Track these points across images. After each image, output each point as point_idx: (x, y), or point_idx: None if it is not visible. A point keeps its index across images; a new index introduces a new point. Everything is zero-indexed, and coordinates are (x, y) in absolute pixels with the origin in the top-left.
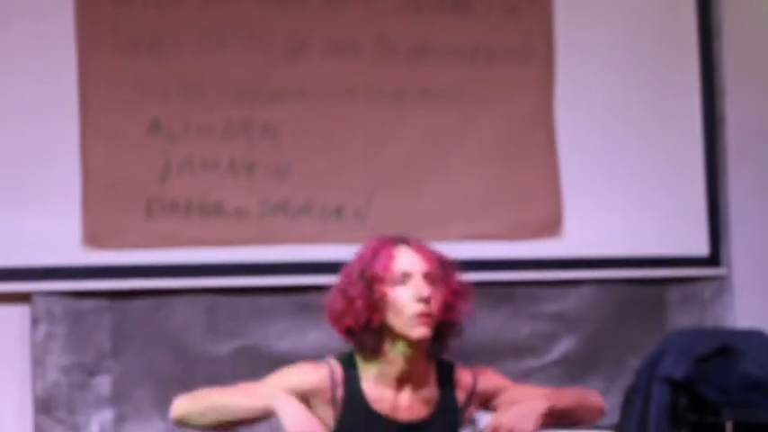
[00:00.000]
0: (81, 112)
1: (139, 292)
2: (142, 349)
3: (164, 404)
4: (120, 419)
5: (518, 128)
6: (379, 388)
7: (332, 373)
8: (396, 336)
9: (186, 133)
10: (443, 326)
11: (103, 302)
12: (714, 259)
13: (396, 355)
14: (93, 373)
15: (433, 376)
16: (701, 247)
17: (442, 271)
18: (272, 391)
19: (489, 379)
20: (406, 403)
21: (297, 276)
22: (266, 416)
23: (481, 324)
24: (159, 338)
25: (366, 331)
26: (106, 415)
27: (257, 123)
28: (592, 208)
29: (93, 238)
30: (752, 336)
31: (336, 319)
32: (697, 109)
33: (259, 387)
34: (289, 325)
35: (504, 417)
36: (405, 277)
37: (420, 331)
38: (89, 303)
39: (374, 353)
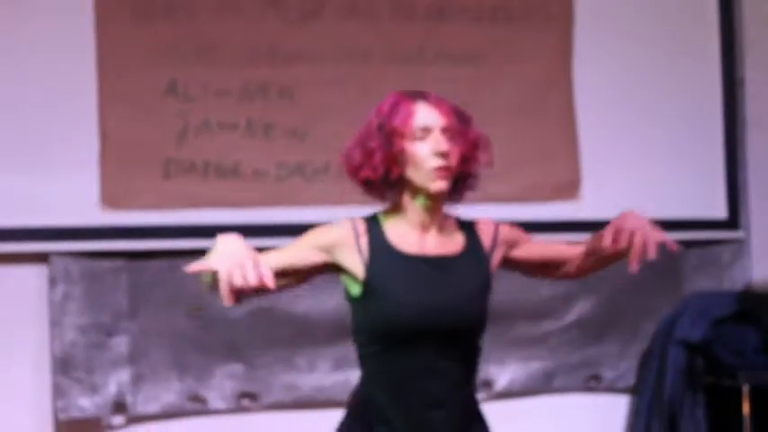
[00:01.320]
0: (99, 75)
1: (156, 253)
2: (159, 310)
3: (181, 364)
4: (137, 379)
5: (536, 90)
6: (403, 234)
7: (354, 226)
8: (415, 188)
9: (203, 95)
10: (461, 177)
11: (120, 263)
12: (732, 222)
13: (416, 206)
14: (110, 333)
15: (455, 225)
16: (719, 210)
17: (460, 124)
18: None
19: (509, 227)
20: (432, 244)
21: None
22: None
23: (498, 287)
24: (176, 299)
25: (384, 183)
26: (123, 375)
27: (274, 85)
28: (610, 171)
29: (110, 198)
30: None
31: (354, 171)
32: (716, 72)
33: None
34: (305, 287)
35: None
36: (424, 132)
37: (439, 185)
38: (106, 264)
39: (393, 204)
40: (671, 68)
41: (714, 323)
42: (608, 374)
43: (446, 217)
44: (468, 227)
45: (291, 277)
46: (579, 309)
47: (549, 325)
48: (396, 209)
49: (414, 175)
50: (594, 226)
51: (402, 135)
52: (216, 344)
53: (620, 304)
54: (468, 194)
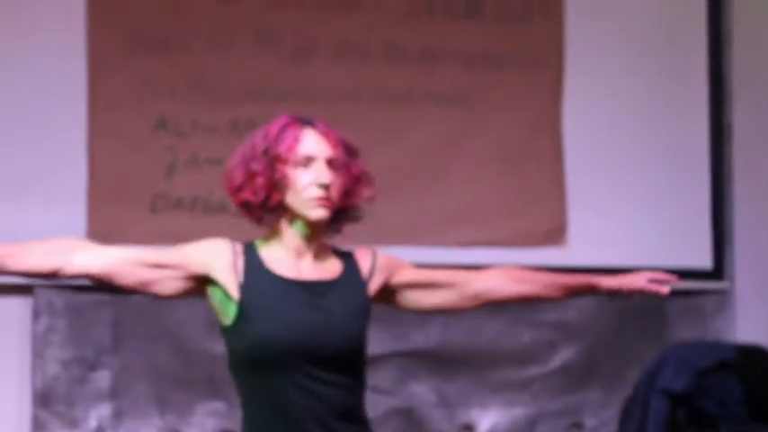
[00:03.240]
0: (89, 108)
1: None
2: (142, 345)
3: (162, 400)
4: (118, 414)
5: (525, 135)
6: (279, 258)
7: (232, 246)
8: (294, 215)
9: (193, 131)
10: (342, 210)
11: (104, 297)
12: (717, 272)
13: (294, 232)
14: (92, 367)
15: (332, 254)
16: (705, 260)
17: (345, 157)
18: None
19: (389, 257)
20: (308, 269)
21: None
22: None
23: (481, 330)
24: (159, 335)
25: (263, 208)
26: (104, 410)
27: (263, 123)
28: (596, 217)
29: (97, 232)
30: (752, 351)
31: (235, 191)
32: (704, 120)
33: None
34: None
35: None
36: (308, 160)
37: (318, 212)
38: (90, 297)
39: (270, 229)
40: (659, 115)
41: (697, 373)
42: (590, 422)
43: (324, 245)
44: (345, 255)
45: (155, 275)
46: (563, 355)
47: (532, 370)
48: (272, 234)
49: (293, 201)
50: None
51: (286, 161)
52: (198, 380)
53: (604, 351)
54: (348, 226)
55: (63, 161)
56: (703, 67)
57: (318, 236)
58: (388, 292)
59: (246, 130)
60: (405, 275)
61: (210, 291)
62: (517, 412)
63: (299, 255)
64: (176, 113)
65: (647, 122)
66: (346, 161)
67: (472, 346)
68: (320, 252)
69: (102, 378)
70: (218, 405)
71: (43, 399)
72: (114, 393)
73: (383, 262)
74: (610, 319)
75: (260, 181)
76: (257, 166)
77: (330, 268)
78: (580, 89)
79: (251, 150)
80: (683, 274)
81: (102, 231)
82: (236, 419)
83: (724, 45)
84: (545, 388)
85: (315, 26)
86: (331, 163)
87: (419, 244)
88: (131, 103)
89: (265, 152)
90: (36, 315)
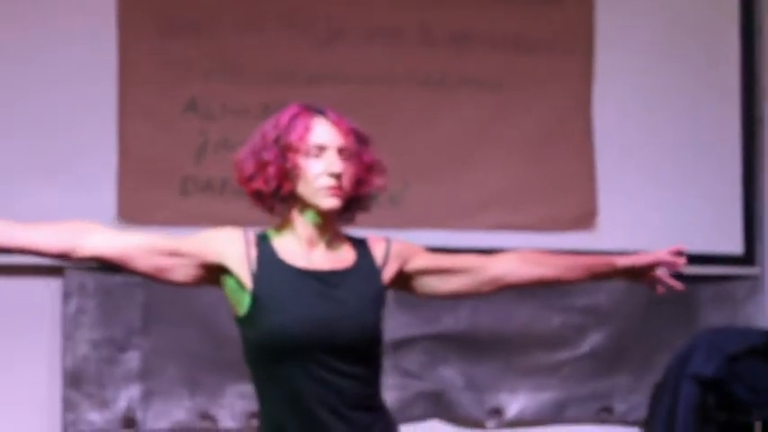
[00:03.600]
0: (119, 90)
1: None
2: (172, 327)
3: (192, 382)
4: (148, 396)
5: (556, 119)
6: (291, 248)
7: (245, 235)
8: (305, 204)
9: (223, 114)
10: (354, 199)
11: (135, 279)
12: (748, 258)
13: (305, 221)
14: (122, 348)
15: (346, 243)
16: (736, 246)
17: (357, 146)
18: None
19: (403, 243)
20: (320, 259)
21: None
22: None
23: (511, 314)
24: (189, 316)
25: (274, 197)
26: (134, 391)
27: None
28: (626, 202)
29: (127, 213)
30: None
31: (245, 181)
32: (736, 105)
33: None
34: None
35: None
36: (319, 150)
37: (330, 202)
38: (121, 279)
39: (282, 219)
40: (691, 101)
41: (728, 359)
42: (620, 407)
43: (337, 234)
44: (359, 243)
45: (168, 262)
46: (592, 339)
47: (561, 355)
48: (284, 224)
49: (305, 191)
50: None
51: (297, 150)
52: (228, 362)
53: (633, 336)
54: (360, 215)
55: (93, 144)
56: (736, 51)
57: (330, 225)
58: (404, 279)
59: (276, 113)
60: (420, 262)
61: (224, 280)
62: (546, 396)
63: (311, 244)
64: (207, 96)
65: (679, 107)
66: (358, 150)
67: (501, 330)
68: (333, 241)
69: (132, 359)
70: (247, 388)
71: (73, 380)
72: (144, 375)
73: (397, 249)
74: (640, 304)
75: (271, 170)
76: (268, 156)
77: (343, 257)
78: (611, 73)
79: (262, 140)
80: (714, 259)
81: (132, 213)
82: None
83: (756, 32)
84: (574, 372)
85: (347, 9)
86: (342, 152)
87: (450, 228)
88: (162, 85)
89: (276, 141)
90: (67, 296)
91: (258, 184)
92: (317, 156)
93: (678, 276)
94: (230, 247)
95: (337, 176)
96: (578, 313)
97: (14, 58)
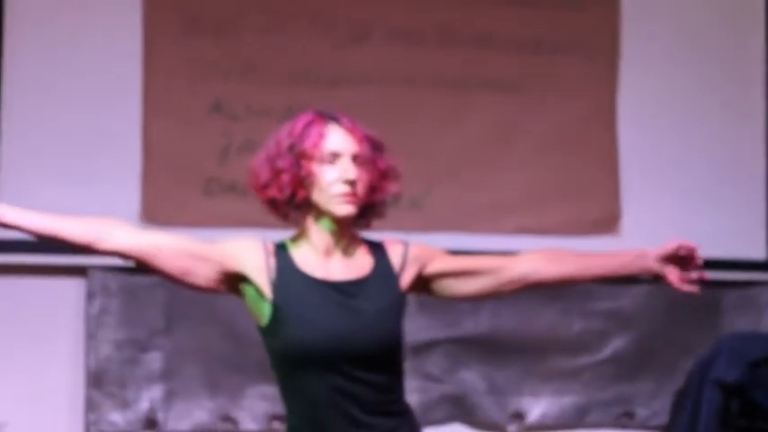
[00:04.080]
0: (144, 91)
1: None
2: (194, 328)
3: (214, 383)
4: (169, 396)
5: (579, 122)
6: (309, 258)
7: (264, 245)
8: (320, 212)
9: (247, 115)
10: (369, 206)
11: (157, 279)
12: None
13: (321, 229)
14: (144, 349)
15: (363, 248)
16: (759, 251)
17: (371, 152)
18: None
19: (420, 246)
20: (337, 268)
21: None
22: None
23: (533, 318)
24: (211, 318)
25: (289, 204)
26: (156, 391)
27: (317, 108)
28: (650, 206)
29: (150, 214)
30: None
31: (261, 189)
32: (761, 110)
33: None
34: None
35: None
36: (333, 157)
37: (345, 209)
38: (144, 280)
39: (299, 229)
40: (716, 106)
41: (751, 365)
42: (641, 412)
43: (353, 240)
44: (376, 248)
45: (192, 264)
46: (614, 344)
47: (583, 359)
48: (300, 233)
49: (319, 198)
50: None
51: (311, 158)
52: (249, 364)
53: (655, 341)
54: (381, 219)
55: (118, 143)
56: (761, 57)
57: (346, 232)
58: (423, 282)
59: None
60: (439, 264)
61: (243, 289)
62: (567, 401)
63: (327, 254)
64: (231, 97)
65: (704, 111)
66: (372, 156)
67: (523, 334)
68: (349, 248)
69: (155, 360)
70: (269, 389)
71: (96, 380)
72: (166, 375)
73: (414, 252)
74: (662, 309)
75: (285, 178)
76: (283, 163)
77: (360, 264)
78: (636, 77)
79: (276, 147)
80: (738, 265)
81: (155, 213)
82: None
83: None
84: (596, 377)
85: (369, 10)
86: (356, 158)
87: (473, 231)
88: (186, 85)
89: (290, 149)
90: (90, 296)
91: (273, 192)
92: (331, 163)
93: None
94: (250, 256)
95: (352, 183)
96: (601, 317)
97: (40, 57)
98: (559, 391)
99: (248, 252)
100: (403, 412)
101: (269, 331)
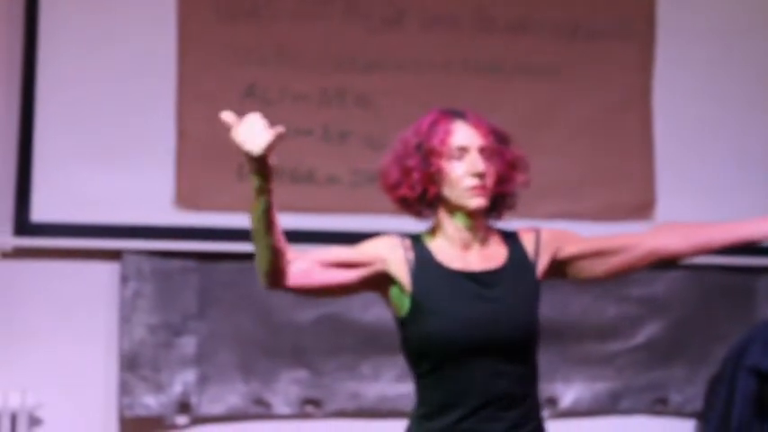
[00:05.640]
0: (178, 76)
1: (228, 255)
2: (228, 312)
3: (247, 368)
4: (203, 380)
5: (615, 108)
6: (447, 250)
7: (402, 240)
8: (452, 207)
9: (281, 99)
10: (499, 197)
11: (192, 263)
12: None
13: (456, 224)
14: (178, 332)
15: (497, 239)
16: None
17: (497, 144)
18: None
19: (551, 231)
20: (476, 260)
21: None
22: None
23: (567, 304)
24: (245, 302)
25: (421, 202)
26: (189, 375)
27: (353, 92)
28: (685, 192)
29: (184, 198)
30: None
31: (391, 188)
32: None
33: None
34: (374, 296)
35: None
36: (461, 151)
37: (477, 201)
38: (177, 263)
39: (433, 224)
40: (753, 91)
41: None
42: (675, 398)
43: (488, 231)
44: (510, 237)
45: (344, 273)
46: (648, 330)
47: (616, 345)
48: (436, 227)
49: (450, 193)
50: None
51: (439, 154)
52: (282, 349)
53: (690, 327)
54: (507, 213)
55: (152, 128)
56: None
57: (481, 225)
58: (557, 267)
59: (334, 99)
60: (573, 247)
61: (389, 287)
62: (601, 387)
63: (465, 246)
64: (265, 81)
65: (741, 97)
66: (499, 149)
67: (557, 320)
68: (485, 240)
69: (188, 344)
70: (301, 374)
71: (130, 363)
72: (199, 359)
73: (546, 238)
74: (697, 295)
75: (415, 176)
76: (412, 162)
77: (496, 254)
78: (673, 62)
79: (403, 147)
80: None
81: (189, 198)
82: (318, 388)
83: None
84: (630, 363)
85: None
86: (483, 151)
87: (508, 216)
88: (220, 70)
89: (418, 147)
90: (124, 280)
91: (404, 191)
92: (459, 158)
93: (737, 267)
94: (391, 253)
95: (481, 176)
96: (635, 303)
97: (75, 45)
98: (593, 376)
99: (389, 251)
100: (538, 411)
101: (407, 324)
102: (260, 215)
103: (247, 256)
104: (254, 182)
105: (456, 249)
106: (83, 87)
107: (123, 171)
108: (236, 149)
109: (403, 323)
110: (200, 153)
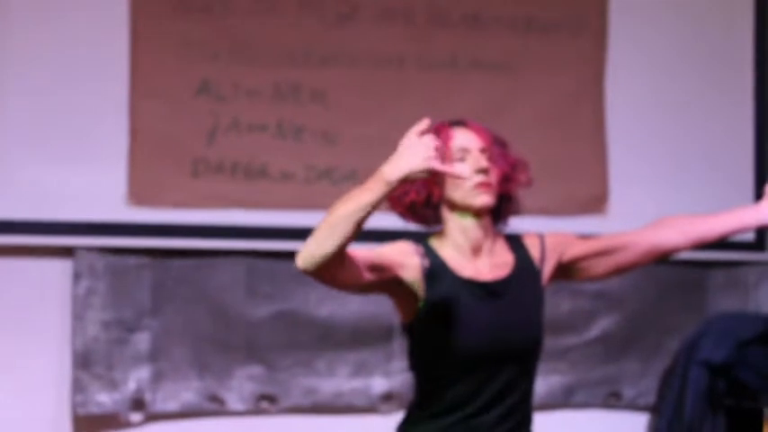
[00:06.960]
0: (131, 71)
1: (181, 252)
2: (182, 308)
3: (201, 364)
4: (157, 377)
5: (568, 101)
6: (457, 257)
7: (416, 246)
8: (458, 208)
9: (235, 95)
10: (503, 198)
11: (145, 260)
12: (760, 244)
13: (463, 227)
14: (132, 329)
15: (504, 245)
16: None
17: (498, 148)
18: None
19: (554, 235)
20: (485, 266)
21: None
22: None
23: None
24: (199, 298)
25: (427, 206)
26: (144, 372)
27: (306, 88)
28: (638, 186)
29: (137, 195)
30: None
31: (398, 199)
32: (749, 91)
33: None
34: (329, 291)
35: None
36: (463, 152)
37: (483, 198)
38: (131, 260)
39: (441, 230)
40: (705, 84)
41: (738, 345)
42: (628, 392)
43: (495, 236)
44: (516, 243)
45: (368, 275)
46: (601, 324)
47: (570, 340)
48: (444, 234)
49: (455, 193)
50: None
51: (442, 157)
52: (237, 345)
53: (643, 321)
54: (512, 217)
55: (104, 123)
56: (750, 34)
57: (489, 230)
58: (562, 270)
59: (288, 95)
60: (575, 250)
61: (400, 292)
62: (554, 381)
63: (475, 253)
64: (218, 77)
65: (693, 90)
66: (500, 151)
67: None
68: (493, 245)
69: (142, 341)
70: (256, 370)
71: (83, 361)
72: (153, 356)
73: (551, 243)
74: (650, 289)
75: (420, 180)
76: None
77: (504, 262)
78: (624, 56)
79: None
80: (725, 245)
81: (142, 194)
82: (273, 384)
83: None
84: (583, 357)
85: None
86: (485, 152)
87: None
88: (173, 65)
89: None
90: (77, 277)
91: (410, 197)
92: (461, 159)
93: (690, 262)
94: (406, 259)
95: (485, 171)
96: (588, 298)
97: (26, 39)
98: (546, 371)
99: (405, 257)
100: (530, 419)
101: (420, 330)
102: (367, 207)
103: (201, 253)
104: (385, 181)
105: (466, 257)
106: (33, 83)
107: (75, 167)
108: (189, 146)
109: (414, 329)
110: (153, 149)
